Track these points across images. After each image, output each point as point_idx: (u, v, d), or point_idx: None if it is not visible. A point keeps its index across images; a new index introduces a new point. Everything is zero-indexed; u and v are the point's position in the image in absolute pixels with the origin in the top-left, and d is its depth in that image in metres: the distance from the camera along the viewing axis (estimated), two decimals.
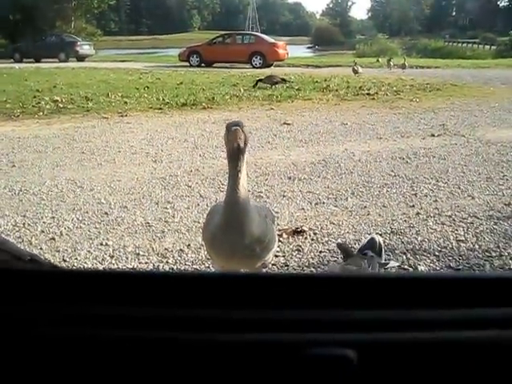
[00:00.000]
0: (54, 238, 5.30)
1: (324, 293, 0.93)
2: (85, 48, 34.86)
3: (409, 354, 0.87)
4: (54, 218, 5.89)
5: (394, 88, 17.05)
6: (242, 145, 3.03)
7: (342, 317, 0.90)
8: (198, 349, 0.87)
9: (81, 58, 33.50)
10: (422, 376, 0.87)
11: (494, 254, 4.82)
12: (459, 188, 6.82)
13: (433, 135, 10.05)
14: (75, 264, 4.76)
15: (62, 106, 13.42)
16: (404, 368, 0.87)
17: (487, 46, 51.47)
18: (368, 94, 15.90)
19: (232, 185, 3.18)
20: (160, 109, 13.38)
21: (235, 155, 3.15)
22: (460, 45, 56.79)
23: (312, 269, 4.62)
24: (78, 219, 5.83)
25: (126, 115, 12.44)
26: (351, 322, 0.89)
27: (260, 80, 17.22)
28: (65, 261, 4.81)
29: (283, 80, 17.45)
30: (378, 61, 26.60)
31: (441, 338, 0.88)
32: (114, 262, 4.78)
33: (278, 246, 4.29)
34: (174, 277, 1.06)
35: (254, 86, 16.98)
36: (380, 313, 0.90)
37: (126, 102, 14.09)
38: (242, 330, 0.88)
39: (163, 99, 14.60)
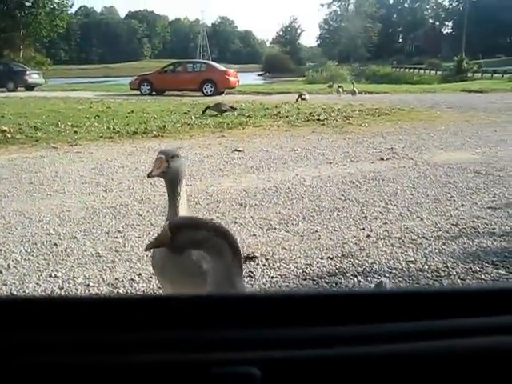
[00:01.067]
0: (0, 272, 5.18)
1: (228, 312, 0.94)
2: (34, 77, 34.45)
3: (313, 372, 0.87)
4: (1, 250, 5.75)
5: (344, 113, 17.31)
6: (156, 174, 3.04)
7: (247, 335, 0.91)
8: (103, 372, 0.87)
9: (30, 88, 33.11)
10: None
11: (442, 274, 4.91)
12: (408, 210, 6.93)
13: (382, 159, 10.22)
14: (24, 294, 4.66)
15: (10, 136, 13.18)
16: None
17: (433, 72, 52.92)
18: (318, 119, 16.10)
19: (171, 212, 3.20)
20: (111, 138, 13.28)
21: (170, 183, 3.17)
22: (407, 70, 58.25)
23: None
24: (26, 251, 5.71)
25: (76, 144, 12.31)
26: (256, 340, 0.90)
27: (208, 107, 17.30)
28: (12, 295, 4.70)
29: (232, 108, 17.55)
30: (329, 86, 26.96)
31: (343, 353, 0.89)
32: (63, 293, 4.69)
33: None
34: (77, 301, 1.06)
35: (202, 114, 17.04)
36: (284, 331, 0.91)
37: (75, 132, 13.94)
38: (147, 350, 0.88)
39: (114, 128, 14.51)
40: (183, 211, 3.06)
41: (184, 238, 2.64)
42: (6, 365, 0.88)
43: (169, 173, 2.99)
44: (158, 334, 0.91)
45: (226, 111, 17.22)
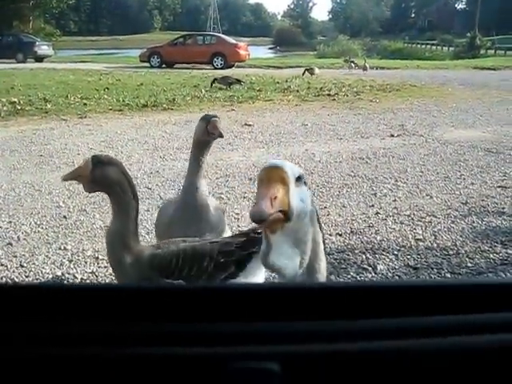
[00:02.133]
0: (11, 243, 5.21)
1: (246, 305, 0.92)
2: (43, 48, 34.35)
3: (334, 366, 0.86)
4: (11, 222, 5.79)
5: (355, 89, 17.20)
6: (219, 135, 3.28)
7: (266, 329, 0.89)
8: (120, 363, 0.86)
9: (39, 59, 33.02)
10: None
11: (451, 252, 4.89)
12: (418, 187, 6.91)
13: (392, 135, 10.17)
14: (33, 269, 4.68)
15: (19, 107, 13.19)
16: (330, 380, 0.87)
17: (445, 48, 52.37)
18: (329, 94, 16.02)
19: (192, 176, 3.33)
20: (120, 110, 13.26)
21: (202, 147, 3.30)
22: (419, 46, 57.69)
23: None
24: (35, 223, 5.74)
25: (86, 117, 12.30)
26: (275, 335, 0.88)
27: (215, 80, 17.22)
28: (22, 266, 4.73)
29: (238, 81, 17.46)
30: (345, 61, 26.53)
31: (367, 348, 0.87)
32: (72, 266, 4.71)
33: None
34: (96, 289, 1.04)
35: (210, 87, 16.99)
36: (303, 324, 0.89)
37: (85, 104, 13.93)
38: (164, 343, 0.87)
39: (123, 100, 14.48)
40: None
41: (104, 173, 2.79)
42: (4, 355, 0.87)
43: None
44: (173, 326, 0.89)
45: (232, 84, 17.16)
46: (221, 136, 3.40)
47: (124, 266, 2.87)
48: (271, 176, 1.46)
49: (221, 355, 0.86)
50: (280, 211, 1.41)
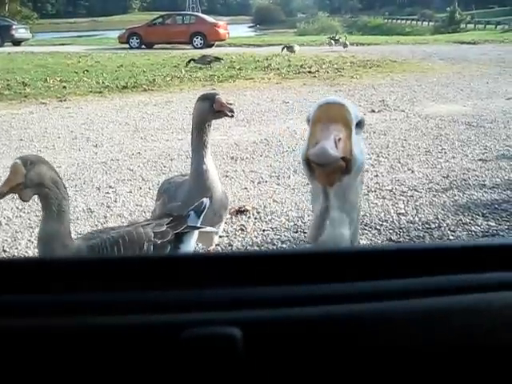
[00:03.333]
0: None
1: (205, 271, 0.91)
2: (21, 32, 33.82)
3: (297, 331, 0.85)
4: None
5: (335, 65, 17.16)
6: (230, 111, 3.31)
7: (225, 295, 0.87)
8: (73, 334, 0.85)
9: (17, 42, 32.55)
10: (310, 354, 0.86)
11: (433, 226, 4.94)
12: (399, 162, 6.94)
13: (373, 111, 10.18)
14: (16, 254, 4.67)
15: None
16: (293, 346, 0.86)
17: (425, 23, 52.30)
18: (309, 71, 15.97)
19: (199, 155, 3.34)
20: (100, 92, 13.16)
21: (206, 127, 3.32)
22: (399, 22, 57.57)
23: (256, 247, 4.64)
24: (17, 208, 5.70)
25: (65, 100, 12.20)
26: (235, 301, 0.87)
27: (192, 59, 17.10)
28: (4, 251, 4.71)
29: (217, 58, 17.35)
30: (331, 38, 26.23)
31: (329, 312, 0.87)
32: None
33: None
34: (46, 262, 1.02)
35: (186, 66, 16.86)
36: (265, 289, 0.88)
37: (64, 87, 13.81)
38: (118, 312, 0.85)
39: (103, 82, 14.37)
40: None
41: (39, 173, 2.64)
42: None
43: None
44: (129, 295, 0.88)
45: (210, 62, 17.04)
46: (231, 111, 3.38)
47: None
48: (333, 114, 1.25)
49: (178, 322, 0.84)
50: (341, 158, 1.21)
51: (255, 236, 4.85)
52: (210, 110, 3.32)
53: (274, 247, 4.63)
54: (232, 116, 3.42)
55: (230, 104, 3.52)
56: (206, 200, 3.37)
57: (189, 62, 17.00)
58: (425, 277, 0.92)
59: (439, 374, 0.88)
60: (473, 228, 4.88)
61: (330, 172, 1.23)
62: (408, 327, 0.88)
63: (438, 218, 5.10)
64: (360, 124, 1.32)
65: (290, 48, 21.13)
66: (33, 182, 2.64)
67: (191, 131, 3.48)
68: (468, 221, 5.03)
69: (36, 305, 0.87)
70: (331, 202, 1.29)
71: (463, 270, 0.93)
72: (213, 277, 0.90)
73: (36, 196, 2.70)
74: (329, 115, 1.24)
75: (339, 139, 1.20)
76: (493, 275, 0.93)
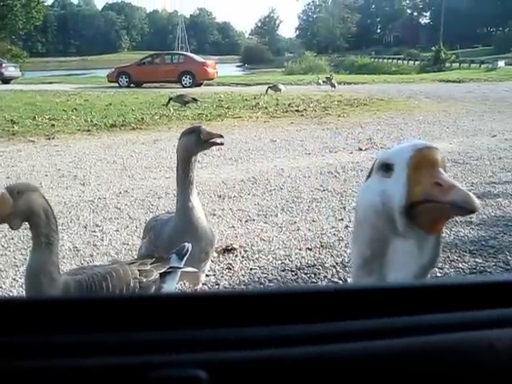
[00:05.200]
0: None
1: (170, 313, 0.89)
2: (10, 70, 34.01)
3: (264, 373, 0.83)
4: None
5: (323, 104, 17.34)
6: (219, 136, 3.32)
7: (191, 336, 0.86)
8: (36, 376, 0.83)
9: (6, 80, 32.69)
10: None
11: None
12: None
13: (360, 149, 10.24)
14: (0, 292, 4.61)
15: None
16: None
17: (411, 62, 53.11)
18: (297, 110, 16.11)
19: (185, 192, 3.33)
20: (88, 130, 13.18)
21: (191, 161, 3.32)
22: (386, 61, 58.43)
23: (243, 286, 4.61)
24: (2, 246, 5.66)
25: (54, 138, 12.20)
26: (200, 342, 0.85)
27: (171, 99, 17.23)
28: None
29: (194, 99, 17.47)
30: (328, 78, 26.44)
31: (301, 353, 0.85)
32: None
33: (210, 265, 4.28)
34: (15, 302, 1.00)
35: (166, 105, 16.98)
36: (230, 331, 0.87)
37: (53, 125, 13.82)
38: (80, 354, 0.83)
39: (91, 121, 14.41)
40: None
41: (28, 202, 2.58)
42: None
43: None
44: (89, 337, 0.85)
45: (188, 102, 17.18)
46: (221, 137, 3.38)
47: None
48: (434, 159, 1.24)
49: (142, 364, 0.82)
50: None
51: (242, 275, 4.82)
52: (198, 141, 3.32)
53: (262, 286, 4.60)
54: (222, 143, 3.43)
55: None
56: (188, 245, 3.36)
57: (168, 101, 17.13)
58: (413, 316, 0.90)
59: None
60: (460, 265, 4.88)
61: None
62: (392, 367, 0.87)
63: None
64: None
65: (274, 87, 21.28)
66: (21, 210, 2.59)
67: (176, 168, 3.48)
68: (455, 258, 5.03)
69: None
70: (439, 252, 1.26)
71: (451, 307, 0.92)
72: (187, 317, 0.88)
73: (23, 234, 2.68)
74: (431, 159, 1.24)
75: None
76: (480, 313, 0.92)
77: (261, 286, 4.60)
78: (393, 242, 1.29)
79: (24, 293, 4.56)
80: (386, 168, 1.29)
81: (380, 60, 60.00)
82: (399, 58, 57.27)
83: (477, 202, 1.16)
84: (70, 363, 0.83)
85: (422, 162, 1.22)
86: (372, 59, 60.81)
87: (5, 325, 0.87)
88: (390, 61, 57.63)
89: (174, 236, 3.41)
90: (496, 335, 0.89)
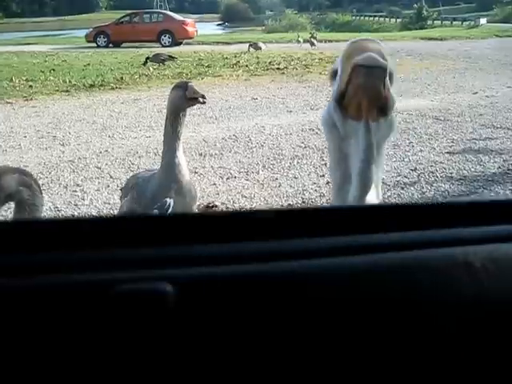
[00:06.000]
0: None
1: (136, 230, 0.88)
2: None
3: (232, 289, 0.83)
4: None
5: (304, 62, 17.18)
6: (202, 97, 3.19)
7: (161, 253, 0.84)
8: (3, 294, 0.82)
9: None
10: (247, 311, 0.84)
11: None
12: None
13: None
14: None
15: None
16: (229, 303, 0.83)
17: (393, 19, 52.67)
18: (278, 68, 15.97)
19: (171, 148, 3.29)
20: (67, 91, 13.00)
21: (179, 117, 3.28)
22: (367, 18, 57.87)
23: None
24: None
25: (32, 99, 12.03)
26: (171, 258, 0.84)
27: (148, 58, 17.04)
28: None
29: (171, 57, 17.27)
30: (312, 37, 26.21)
31: (268, 269, 0.84)
32: None
33: None
34: None
35: (144, 65, 16.78)
36: (202, 247, 0.85)
37: (31, 86, 13.61)
38: (41, 271, 0.82)
39: (70, 81, 14.19)
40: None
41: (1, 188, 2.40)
42: None
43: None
44: (56, 255, 0.84)
45: (165, 61, 16.97)
46: (203, 97, 3.34)
47: None
48: (370, 47, 1.22)
49: (109, 280, 0.81)
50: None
51: None
52: (184, 97, 3.30)
53: None
54: (204, 102, 3.40)
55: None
56: (169, 200, 3.34)
57: (146, 60, 16.94)
58: (390, 233, 0.91)
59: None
60: None
61: (370, 102, 1.18)
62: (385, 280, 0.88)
63: None
64: (391, 77, 1.27)
65: (255, 45, 21.09)
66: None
67: (165, 123, 3.45)
68: None
69: None
70: (373, 142, 1.21)
71: (427, 225, 0.93)
72: (141, 235, 0.87)
73: None
74: (364, 48, 1.22)
75: None
76: (458, 230, 0.93)
77: None
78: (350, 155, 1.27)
79: None
80: (334, 75, 1.29)
81: (361, 18, 59.40)
82: (381, 16, 56.76)
83: (376, 59, 1.14)
84: (29, 282, 0.82)
85: (352, 51, 1.23)
86: (353, 17, 60.19)
87: None
88: (371, 18, 57.11)
89: (158, 192, 3.39)
90: (473, 252, 0.89)
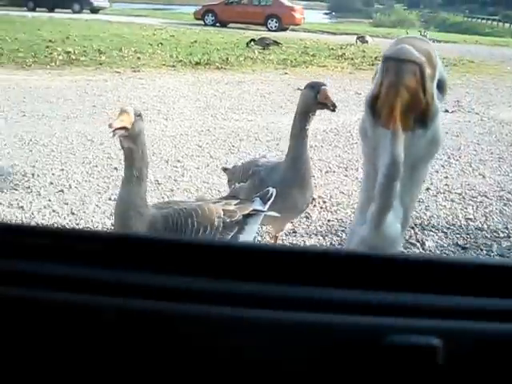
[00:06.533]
0: (62, 191, 5.30)
1: (408, 275, 0.84)
2: (99, 0, 34.34)
3: (503, 347, 0.79)
4: (63, 170, 5.88)
5: None
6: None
7: (425, 302, 0.81)
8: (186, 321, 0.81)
9: (95, 10, 32.98)
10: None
11: (502, 235, 4.80)
12: (470, 166, 6.76)
13: (447, 111, 9.93)
14: (83, 217, 4.76)
15: (74, 57, 13.30)
16: (496, 363, 0.79)
17: (507, 24, 50.75)
18: None
19: (298, 144, 3.32)
20: (173, 66, 13.26)
21: (308, 116, 3.30)
22: (479, 21, 55.99)
23: (320, 237, 4.61)
24: (87, 173, 5.82)
25: (139, 71, 12.35)
26: (436, 308, 0.80)
27: (253, 40, 17.08)
28: (73, 213, 4.81)
29: (276, 42, 17.24)
30: (407, 33, 25.66)
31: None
32: None
33: None
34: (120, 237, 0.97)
35: (247, 45, 16.86)
36: (471, 300, 0.82)
37: (139, 58, 13.97)
38: (317, 309, 0.80)
39: (177, 57, 14.46)
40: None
41: (140, 128, 2.74)
42: None
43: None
44: (323, 293, 0.82)
45: (269, 45, 16.99)
46: (334, 106, 3.31)
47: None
48: (415, 43, 1.06)
49: (377, 326, 0.79)
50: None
51: (320, 225, 4.82)
52: (315, 99, 3.29)
53: (339, 238, 4.59)
54: (333, 110, 3.38)
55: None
56: (272, 189, 3.37)
57: (250, 42, 17.01)
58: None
59: None
60: None
61: (402, 104, 1.02)
62: None
63: (507, 228, 4.96)
64: (442, 86, 1.11)
65: (362, 38, 20.86)
66: (134, 132, 2.70)
67: (294, 117, 3.47)
68: None
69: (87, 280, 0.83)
70: (400, 154, 1.03)
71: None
72: (413, 280, 0.83)
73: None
74: (413, 47, 1.05)
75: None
76: None
77: (337, 238, 4.59)
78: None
79: (105, 220, 4.71)
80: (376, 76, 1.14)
81: (473, 19, 57.61)
82: (494, 20, 54.82)
83: (409, 51, 0.98)
84: (307, 318, 0.81)
85: (391, 56, 1.05)
86: (465, 18, 58.43)
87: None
88: (483, 21, 55.28)
89: (282, 184, 3.41)
90: None
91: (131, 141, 2.72)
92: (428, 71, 1.05)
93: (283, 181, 3.42)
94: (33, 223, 4.55)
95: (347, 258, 0.89)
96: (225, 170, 4.44)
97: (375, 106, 1.08)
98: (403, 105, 1.02)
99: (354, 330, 0.79)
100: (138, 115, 2.74)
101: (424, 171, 1.16)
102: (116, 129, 2.64)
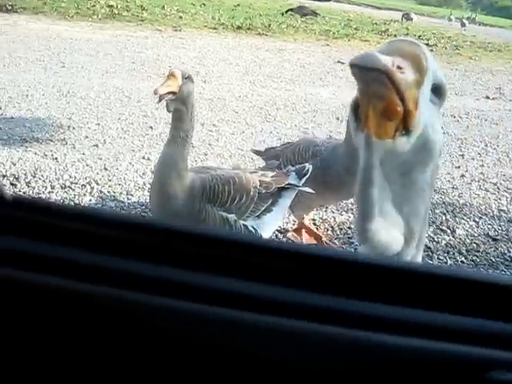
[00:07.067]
0: (97, 145, 5.32)
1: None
2: None
3: None
4: (99, 124, 5.89)
5: (454, 42, 16.54)
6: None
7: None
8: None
9: None
10: None
11: None
12: (508, 156, 6.64)
13: (487, 97, 9.77)
14: (116, 173, 4.77)
15: (116, 12, 13.28)
16: None
17: None
18: (427, 44, 15.41)
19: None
20: (215, 28, 13.18)
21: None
22: None
23: (350, 214, 4.58)
24: (122, 129, 5.83)
25: (180, 30, 12.29)
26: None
27: (291, 9, 16.93)
28: (106, 169, 4.82)
29: (314, 13, 17.06)
30: (451, 14, 25.12)
31: None
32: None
33: None
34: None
35: (282, 15, 16.70)
36: None
37: (180, 17, 13.90)
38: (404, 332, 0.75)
39: (219, 19, 14.36)
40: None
41: (189, 90, 2.73)
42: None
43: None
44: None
45: (307, 15, 16.83)
46: (168, 95, 3.15)
47: (175, 195, 2.79)
48: (405, 51, 1.01)
49: (484, 360, 0.72)
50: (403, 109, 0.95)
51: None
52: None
53: None
54: None
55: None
56: (308, 165, 3.33)
57: (287, 11, 16.89)
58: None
59: None
60: None
61: (382, 111, 0.97)
62: None
63: None
64: (439, 90, 1.05)
65: (406, 16, 20.56)
66: (183, 95, 2.68)
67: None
68: None
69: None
70: (375, 162, 1.00)
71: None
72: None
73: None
74: (397, 51, 1.00)
75: (399, 68, 0.95)
76: None
77: None
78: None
79: (138, 179, 4.72)
80: None
81: None
82: None
83: (374, 57, 0.92)
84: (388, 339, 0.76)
85: (382, 52, 0.99)
86: None
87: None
88: None
89: (347, 168, 3.34)
90: None
91: (180, 103, 2.71)
92: (411, 77, 0.99)
93: (346, 162, 3.36)
94: (66, 176, 4.57)
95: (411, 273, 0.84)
96: (256, 152, 4.30)
97: (358, 110, 1.06)
98: (377, 112, 0.99)
99: (453, 360, 0.73)
100: (187, 77, 2.71)
101: (421, 179, 1.09)
102: (162, 94, 2.60)
